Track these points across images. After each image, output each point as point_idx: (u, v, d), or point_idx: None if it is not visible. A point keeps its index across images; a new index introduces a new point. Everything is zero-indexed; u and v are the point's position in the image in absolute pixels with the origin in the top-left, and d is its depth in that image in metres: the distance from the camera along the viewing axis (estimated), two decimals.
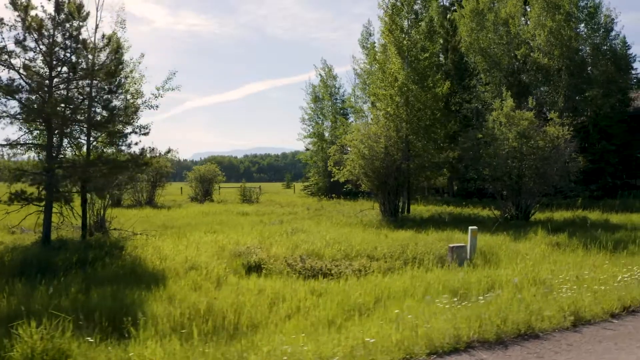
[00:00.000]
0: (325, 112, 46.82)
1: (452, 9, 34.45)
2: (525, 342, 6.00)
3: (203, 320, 8.04)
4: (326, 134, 44.87)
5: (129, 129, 13.70)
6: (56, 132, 12.87)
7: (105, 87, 12.69)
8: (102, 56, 13.13)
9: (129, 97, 14.53)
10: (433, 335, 5.81)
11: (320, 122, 46.61)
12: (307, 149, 46.55)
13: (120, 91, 13.51)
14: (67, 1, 12.28)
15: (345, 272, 11.07)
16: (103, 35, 12.99)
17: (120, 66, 13.24)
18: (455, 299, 7.94)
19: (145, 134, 13.89)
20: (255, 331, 7.59)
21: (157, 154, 14.39)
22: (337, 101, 46.67)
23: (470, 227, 12.55)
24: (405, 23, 23.28)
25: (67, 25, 12.68)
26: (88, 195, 15.07)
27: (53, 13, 12.28)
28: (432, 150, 23.51)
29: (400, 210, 24.27)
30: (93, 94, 12.75)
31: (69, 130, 13.51)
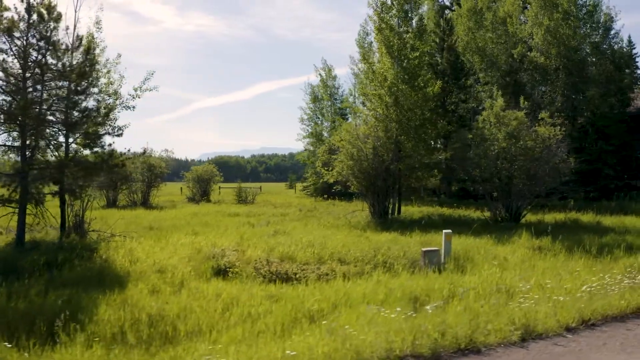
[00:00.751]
0: (325, 113, 46.56)
1: (451, 8, 34.00)
2: (463, 358, 5.65)
3: (147, 326, 7.81)
4: (325, 134, 44.56)
5: (103, 130, 13.47)
6: (30, 133, 12.70)
7: (77, 88, 12.45)
8: (75, 57, 12.94)
9: (105, 97, 14.33)
10: (363, 349, 5.48)
11: (319, 122, 46.36)
12: (306, 149, 46.30)
13: (93, 92, 13.30)
14: (37, 2, 12.09)
15: (310, 277, 10.76)
16: (77, 37, 12.78)
17: (92, 67, 13.01)
18: (410, 308, 7.63)
19: (119, 135, 13.69)
20: (195, 338, 7.31)
21: (131, 155, 14.16)
22: (337, 101, 46.39)
23: (444, 231, 12.19)
24: (396, 22, 22.90)
25: (41, 26, 12.51)
26: (68, 197, 14.97)
27: (24, 14, 12.11)
28: (422, 151, 23.13)
29: (390, 211, 23.90)
30: (64, 96, 12.56)
31: (46, 131, 13.33)
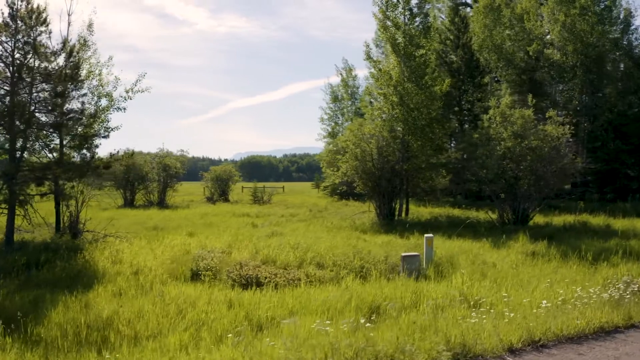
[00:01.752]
0: (345, 112, 46.22)
1: (468, 4, 33.15)
2: None
3: (94, 330, 7.74)
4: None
5: (91, 132, 13.55)
6: (19, 135, 12.90)
7: (57, 90, 12.56)
8: (60, 61, 13.11)
9: (96, 99, 14.46)
10: None
11: (339, 122, 46.05)
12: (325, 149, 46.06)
13: (76, 94, 13.41)
14: (21, 8, 12.25)
15: (280, 282, 10.51)
16: (64, 40, 12.92)
17: (77, 70, 13.10)
18: (363, 319, 7.31)
19: (106, 137, 13.76)
20: (136, 342, 7.19)
21: (120, 157, 14.21)
22: (357, 101, 45.95)
23: (425, 235, 11.75)
24: (402, 19, 22.39)
25: (26, 31, 12.68)
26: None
27: (8, 20, 12.29)
28: (430, 151, 22.56)
29: (398, 213, 23.43)
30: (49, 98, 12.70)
31: (37, 133, 13.51)
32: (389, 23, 22.20)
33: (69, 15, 15.00)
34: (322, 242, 14.99)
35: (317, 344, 5.63)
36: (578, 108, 25.56)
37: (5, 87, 12.38)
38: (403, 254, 11.35)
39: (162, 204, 32.99)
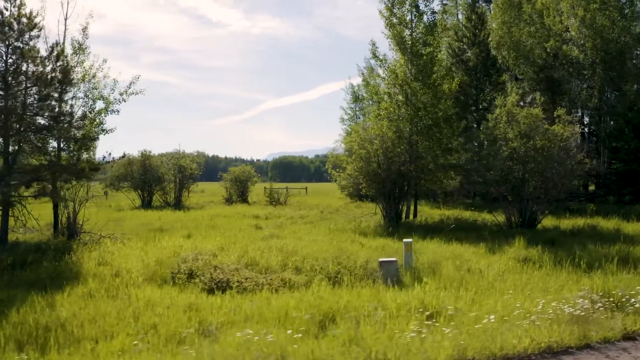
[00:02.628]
0: (366, 113, 45.73)
1: (486, 2, 32.27)
2: None
3: (50, 330, 7.75)
4: None
5: (79, 134, 13.69)
6: (13, 139, 13.15)
7: (47, 94, 12.74)
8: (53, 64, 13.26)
9: (90, 103, 14.63)
10: None
11: (360, 122, 45.58)
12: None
13: (67, 97, 13.57)
14: (10, 14, 12.47)
15: (248, 286, 10.33)
16: (52, 45, 13.10)
17: (66, 74, 13.23)
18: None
19: (94, 139, 13.87)
20: (76, 346, 7.14)
21: (110, 160, 14.32)
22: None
23: (404, 240, 11.38)
24: (409, 17, 21.93)
25: (21, 36, 12.90)
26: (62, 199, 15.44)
27: None
28: (438, 152, 22.01)
29: (405, 215, 22.97)
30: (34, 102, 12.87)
31: (31, 136, 13.72)
32: (395, 20, 21.77)
33: (65, 19, 15.29)
34: (313, 246, 14.73)
35: (230, 355, 5.41)
36: (598, 107, 24.47)
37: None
38: (380, 260, 11.00)
39: (178, 205, 33.32)
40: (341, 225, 21.27)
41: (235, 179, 40.51)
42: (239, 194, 40.38)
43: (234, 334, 6.42)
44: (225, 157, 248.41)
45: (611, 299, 7.51)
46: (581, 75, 25.17)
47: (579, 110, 27.23)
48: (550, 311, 7.12)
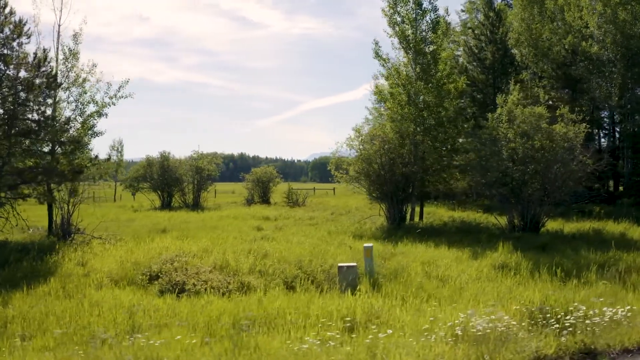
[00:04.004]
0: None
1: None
2: None
3: None
4: None
5: (63, 138, 14.00)
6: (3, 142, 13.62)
7: (26, 98, 13.12)
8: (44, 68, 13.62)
9: (80, 106, 14.99)
10: None
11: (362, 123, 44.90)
12: None
13: (52, 102, 13.90)
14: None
15: (201, 290, 10.27)
16: (35, 52, 13.50)
17: (50, 79, 13.57)
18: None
19: (78, 141, 14.17)
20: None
21: (97, 162, 14.60)
22: None
23: (365, 245, 11.02)
24: (413, 15, 21.42)
25: (9, 42, 13.35)
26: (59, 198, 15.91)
27: None
28: (444, 152, 21.42)
29: (410, 216, 22.45)
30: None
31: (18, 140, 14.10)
32: (398, 18, 21.33)
33: (59, 25, 15.74)
34: (296, 248, 14.57)
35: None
36: (621, 105, 23.17)
37: None
38: (339, 265, 10.70)
39: (196, 205, 33.76)
40: (344, 227, 20.97)
41: (257, 180, 40.61)
42: (261, 194, 40.46)
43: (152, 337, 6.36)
44: (266, 158, 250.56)
45: (548, 314, 6.98)
46: (601, 72, 23.90)
47: (605, 109, 25.89)
48: (466, 326, 6.61)
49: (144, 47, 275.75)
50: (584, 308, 6.83)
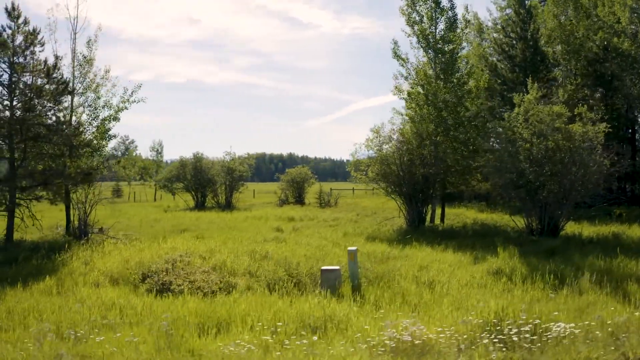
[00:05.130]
0: None
1: None
2: None
3: None
4: None
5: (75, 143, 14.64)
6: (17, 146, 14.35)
7: (32, 105, 13.77)
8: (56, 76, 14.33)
9: (93, 111, 15.66)
10: None
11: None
12: None
13: (61, 107, 14.58)
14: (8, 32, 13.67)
15: (185, 290, 10.47)
16: (45, 60, 14.20)
17: (59, 86, 14.23)
18: None
19: (87, 144, 14.78)
20: None
21: (102, 166, 15.17)
22: None
23: (348, 248, 10.91)
24: (432, 14, 21.01)
25: (24, 51, 14.12)
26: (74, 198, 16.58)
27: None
28: (464, 152, 20.91)
29: (430, 218, 22.06)
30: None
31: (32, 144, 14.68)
32: (416, 17, 20.99)
33: (74, 33, 16.50)
34: (300, 249, 14.67)
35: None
36: None
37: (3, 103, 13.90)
38: (322, 268, 10.68)
39: (228, 206, 34.42)
40: (362, 229, 20.85)
41: (292, 180, 40.91)
42: (296, 195, 40.70)
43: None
44: (315, 157, 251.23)
45: (498, 327, 6.67)
46: (634, 69, 22.58)
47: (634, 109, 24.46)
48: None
49: (196, 49, 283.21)
50: (539, 321, 6.51)
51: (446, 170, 20.74)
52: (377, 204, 39.06)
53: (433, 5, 20.89)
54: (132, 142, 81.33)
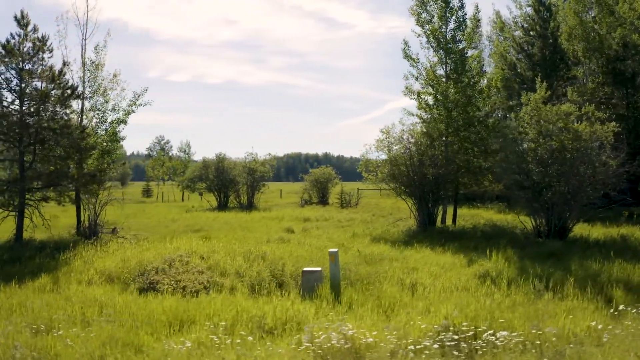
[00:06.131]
0: None
1: None
2: None
3: None
4: None
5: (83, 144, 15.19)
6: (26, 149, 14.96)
7: (37, 108, 14.35)
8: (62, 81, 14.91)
9: (101, 114, 16.24)
10: None
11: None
12: None
13: (70, 111, 15.16)
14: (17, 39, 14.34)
15: (168, 289, 10.74)
16: (51, 66, 14.79)
17: (66, 91, 14.80)
18: None
19: (93, 147, 15.32)
20: None
21: (104, 168, 15.67)
22: None
23: (329, 250, 10.94)
24: (444, 13, 20.77)
25: (33, 58, 14.77)
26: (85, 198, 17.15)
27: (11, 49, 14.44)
28: (476, 152, 20.59)
29: (442, 219, 21.79)
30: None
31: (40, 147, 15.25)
32: (426, 16, 20.80)
33: (84, 39, 17.13)
34: (298, 250, 14.79)
35: None
36: None
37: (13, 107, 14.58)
38: (304, 269, 10.75)
39: (250, 206, 34.80)
40: (369, 231, 20.76)
41: (316, 181, 40.98)
42: (320, 195, 40.72)
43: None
44: (351, 157, 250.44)
45: (443, 334, 6.58)
46: None
47: None
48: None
49: (233, 49, 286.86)
50: (484, 328, 6.41)
51: (457, 171, 20.44)
52: (397, 204, 38.77)
53: (443, 5, 20.64)
54: (168, 142, 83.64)
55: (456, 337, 6.14)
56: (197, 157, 66.50)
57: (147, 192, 53.63)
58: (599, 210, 18.10)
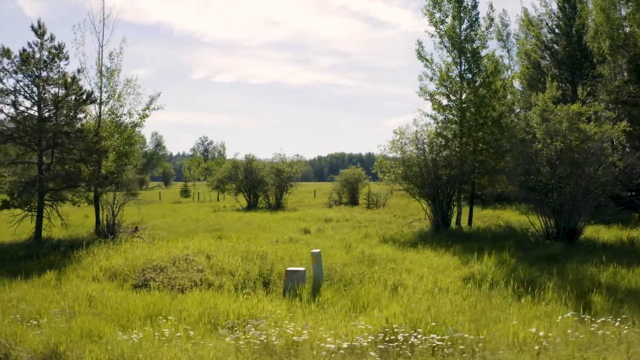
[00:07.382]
0: None
1: None
2: None
3: None
4: None
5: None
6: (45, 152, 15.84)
7: (49, 115, 15.18)
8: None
9: (114, 118, 17.06)
10: None
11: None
12: None
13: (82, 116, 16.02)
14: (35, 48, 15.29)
15: (159, 285, 11.24)
16: (65, 73, 15.64)
17: (80, 97, 15.63)
18: None
19: (105, 151, 16.12)
20: None
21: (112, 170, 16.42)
22: None
23: (312, 251, 11.16)
24: (457, 13, 20.59)
25: (50, 65, 15.70)
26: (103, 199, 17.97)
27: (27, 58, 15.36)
28: (491, 152, 20.32)
29: (457, 220, 21.58)
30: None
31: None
32: (440, 17, 20.68)
33: (101, 47, 18.01)
34: (301, 251, 15.04)
35: None
36: None
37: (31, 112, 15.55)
38: (288, 269, 11.02)
39: (278, 206, 35.36)
40: (382, 232, 20.77)
41: (346, 181, 41.10)
42: (350, 196, 40.78)
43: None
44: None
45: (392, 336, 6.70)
46: None
47: None
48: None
49: (278, 50, 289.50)
50: (420, 331, 6.51)
51: (470, 172, 20.21)
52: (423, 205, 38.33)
53: (456, 4, 20.45)
54: (211, 142, 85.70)
55: (388, 338, 6.27)
56: (240, 157, 67.98)
57: (185, 192, 55.18)
58: (614, 212, 17.52)
